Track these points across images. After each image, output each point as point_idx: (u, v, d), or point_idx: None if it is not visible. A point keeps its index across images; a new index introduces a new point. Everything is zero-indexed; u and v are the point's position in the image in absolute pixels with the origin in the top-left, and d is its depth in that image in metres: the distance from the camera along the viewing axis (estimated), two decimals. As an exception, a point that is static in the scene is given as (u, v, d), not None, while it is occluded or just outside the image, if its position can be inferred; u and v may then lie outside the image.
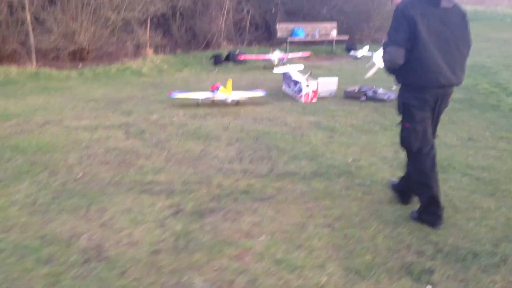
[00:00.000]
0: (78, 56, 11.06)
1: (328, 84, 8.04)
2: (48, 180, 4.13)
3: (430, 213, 3.31)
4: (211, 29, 13.20)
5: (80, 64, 10.51)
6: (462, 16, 3.17)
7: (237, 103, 7.40)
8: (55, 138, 5.39)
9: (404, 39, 3.00)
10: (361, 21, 15.14)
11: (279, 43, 14.01)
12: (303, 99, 7.66)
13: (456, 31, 3.11)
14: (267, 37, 14.69)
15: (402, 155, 4.84)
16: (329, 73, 9.34)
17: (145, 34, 11.67)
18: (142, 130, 5.80)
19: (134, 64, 10.59)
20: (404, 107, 3.23)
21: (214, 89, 7.37)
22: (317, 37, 13.62)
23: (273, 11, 14.64)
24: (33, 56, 9.93)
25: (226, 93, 7.20)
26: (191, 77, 9.98)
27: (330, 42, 14.11)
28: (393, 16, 3.13)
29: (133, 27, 11.58)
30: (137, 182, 4.13)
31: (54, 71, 9.72)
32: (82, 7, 10.11)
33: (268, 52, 12.11)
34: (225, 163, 4.67)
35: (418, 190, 3.39)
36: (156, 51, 11.86)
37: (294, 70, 8.37)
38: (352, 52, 13.27)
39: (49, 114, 6.53)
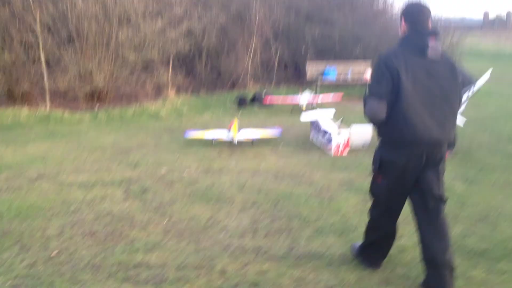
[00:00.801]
0: (95, 97, 10.65)
1: (362, 133, 7.22)
2: (14, 260, 3.42)
3: (367, 254, 3.36)
4: (237, 68, 12.69)
5: (97, 106, 10.07)
6: (451, 68, 2.94)
7: (252, 143, 7.18)
8: (42, 198, 4.74)
9: (387, 92, 2.81)
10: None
11: (308, 84, 13.34)
12: (332, 151, 6.85)
13: (445, 84, 2.89)
14: (296, 77, 14.06)
15: (457, 231, 3.96)
16: (363, 120, 8.53)
17: (167, 74, 11.23)
18: (145, 188, 5.10)
19: (153, 106, 10.07)
20: (381, 162, 3.02)
21: (230, 127, 7.23)
22: (349, 78, 12.87)
23: (303, 51, 14.07)
24: (47, 96, 9.57)
25: (232, 134, 6.98)
26: (212, 121, 9.34)
27: (364, 84, 13.32)
28: (374, 66, 2.96)
29: (155, 66, 11.16)
30: (122, 265, 3.37)
31: (66, 114, 9.29)
32: (99, 47, 9.75)
33: (297, 93, 11.44)
34: (235, 238, 3.87)
35: (368, 233, 3.36)
36: (178, 92, 11.37)
37: (324, 117, 7.60)
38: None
39: (46, 166, 5.94)
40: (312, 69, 12.87)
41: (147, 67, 11.30)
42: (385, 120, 2.87)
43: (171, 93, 11.02)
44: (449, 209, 4.53)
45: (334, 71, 12.78)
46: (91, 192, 4.93)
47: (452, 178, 5.63)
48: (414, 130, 2.82)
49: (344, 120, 7.57)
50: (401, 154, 2.89)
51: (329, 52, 14.22)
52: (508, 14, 73.35)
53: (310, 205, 4.63)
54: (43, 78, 9.55)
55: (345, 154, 6.84)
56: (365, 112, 2.98)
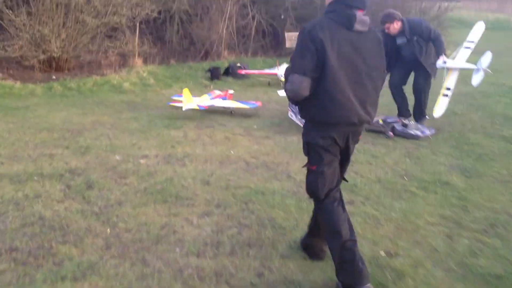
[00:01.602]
0: (52, 67, 9.53)
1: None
2: None
3: (347, 270, 2.67)
4: (210, 36, 11.66)
5: (53, 77, 9.01)
6: (377, 42, 2.74)
7: (231, 113, 7.11)
8: (-41, 197, 3.85)
9: (311, 66, 2.56)
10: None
11: (288, 54, 12.43)
12: (313, 133, 6.07)
13: (371, 60, 2.68)
14: (274, 46, 13.12)
15: (463, 245, 3.25)
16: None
17: (133, 42, 10.15)
18: (90, 183, 4.24)
19: (116, 77, 9.06)
20: (310, 147, 2.80)
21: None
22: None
23: (282, 17, 13.07)
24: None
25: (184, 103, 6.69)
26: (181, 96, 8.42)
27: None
28: (298, 38, 2.65)
29: (120, 33, 10.06)
30: (40, 302, 2.57)
31: (18, 85, 8.22)
32: (55, 9, 8.60)
33: (274, 65, 10.56)
34: (192, 256, 3.09)
35: (330, 240, 2.78)
36: (145, 61, 10.33)
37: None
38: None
39: (-24, 151, 5.01)
40: (291, 38, 11.94)
41: (112, 34, 10.20)
42: (309, 98, 2.64)
43: (137, 62, 9.99)
44: (452, 214, 3.92)
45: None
46: (24, 188, 4.06)
47: (449, 169, 4.94)
48: (340, 109, 2.61)
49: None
50: (328, 136, 2.69)
51: (310, 19, 13.23)
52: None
53: (287, 207, 3.87)
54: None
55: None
56: (286, 89, 2.70)
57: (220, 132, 6.07)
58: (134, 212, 3.69)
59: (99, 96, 8.06)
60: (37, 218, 3.53)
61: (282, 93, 6.96)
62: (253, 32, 12.68)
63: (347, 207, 2.91)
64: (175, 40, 11.60)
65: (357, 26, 2.62)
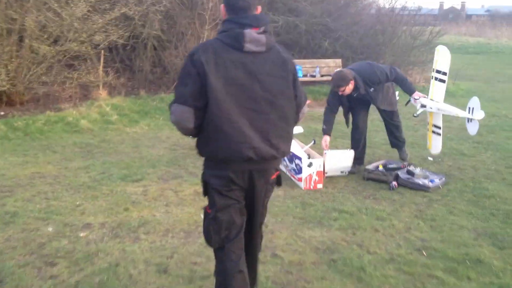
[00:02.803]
0: (3, 101, 8.36)
1: (340, 160, 5.43)
2: None
3: None
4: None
5: (1, 112, 7.84)
6: (281, 64, 2.34)
7: None
8: None
9: (192, 94, 2.23)
10: (369, 57, 12.66)
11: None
12: (302, 184, 5.03)
13: (272, 85, 2.31)
14: (256, 74, 12.16)
15: None
16: (336, 131, 6.78)
17: (96, 71, 9.06)
18: (1, 277, 3.09)
19: (74, 113, 7.91)
20: (206, 187, 2.42)
21: None
22: (318, 77, 11.10)
23: (264, 43, 12.13)
24: None
25: None
26: (147, 135, 7.33)
27: (333, 82, 11.56)
28: (183, 63, 2.33)
29: (81, 62, 8.97)
30: None
31: (-45, 124, 7.04)
32: (3, 36, 7.50)
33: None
34: None
35: None
36: (111, 93, 9.23)
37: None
38: (361, 96, 10.72)
39: None
40: (274, 65, 10.98)
41: (73, 63, 9.10)
42: (198, 131, 2.33)
43: (101, 94, 8.86)
44: None
45: (300, 69, 10.95)
46: None
47: (476, 237, 3.92)
48: (229, 142, 2.27)
49: (315, 143, 5.76)
50: (222, 175, 2.35)
51: (294, 45, 12.39)
52: (463, 5, 74.55)
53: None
54: None
55: (319, 186, 5.04)
56: (171, 121, 2.36)
57: (190, 186, 4.97)
58: (51, 333, 2.55)
59: (49, 138, 6.89)
60: None
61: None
62: (232, 59, 11.70)
63: None
64: (146, 69, 10.55)
65: (249, 46, 2.27)
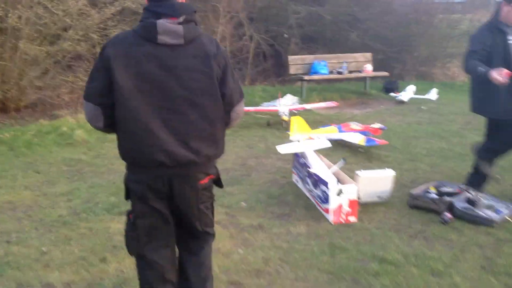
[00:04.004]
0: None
1: (378, 183, 4.35)
2: None
3: None
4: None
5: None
6: (204, 58, 2.09)
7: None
8: None
9: (99, 91, 2.07)
10: (402, 50, 11.47)
11: (293, 81, 10.44)
12: (331, 217, 3.98)
13: (191, 82, 2.09)
14: (276, 72, 11.14)
15: None
16: (377, 149, 5.70)
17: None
18: None
19: (69, 121, 7.02)
20: (127, 191, 2.26)
21: None
22: (345, 74, 9.97)
23: (285, 36, 11.09)
24: None
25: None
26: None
27: (362, 79, 10.45)
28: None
29: (80, 62, 8.11)
30: None
31: None
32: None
33: (274, 98, 8.57)
34: None
35: None
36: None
37: (313, 152, 4.69)
38: (394, 94, 9.59)
39: None
40: (296, 62, 9.93)
41: (73, 64, 8.26)
42: (112, 129, 2.16)
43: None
44: None
45: (325, 65, 9.84)
46: None
47: None
48: (139, 144, 2.08)
49: (346, 162, 4.68)
50: (139, 180, 2.16)
51: (318, 39, 11.31)
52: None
53: None
54: None
55: (352, 220, 4.00)
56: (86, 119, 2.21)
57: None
58: None
59: (35, 153, 6.00)
60: None
61: (283, 149, 4.88)
62: (250, 56, 10.71)
63: None
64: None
65: (164, 39, 2.04)
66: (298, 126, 5.69)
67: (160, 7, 2.05)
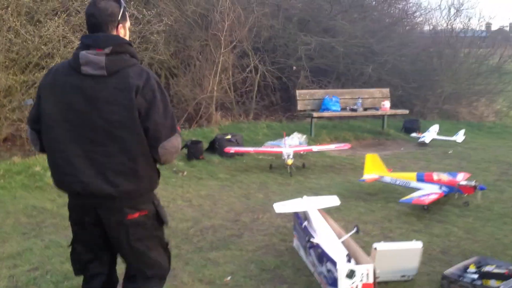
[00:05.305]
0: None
1: (401, 258, 3.49)
2: None
3: None
4: (196, 95, 9.00)
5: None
6: (124, 90, 2.12)
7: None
8: None
9: (34, 117, 2.28)
10: (423, 86, 10.73)
11: (301, 118, 9.72)
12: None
13: (111, 114, 2.13)
14: (283, 107, 10.45)
15: None
16: (381, 188, 4.89)
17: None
18: None
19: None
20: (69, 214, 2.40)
21: None
22: (360, 111, 9.23)
23: (294, 69, 10.44)
24: None
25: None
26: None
27: (379, 117, 9.70)
28: None
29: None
30: None
31: None
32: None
33: (278, 137, 7.86)
34: None
35: None
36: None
37: (318, 213, 3.87)
38: (416, 135, 8.81)
39: None
40: (304, 97, 9.24)
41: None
42: None
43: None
44: None
45: (337, 102, 9.13)
46: None
47: None
48: (59, 173, 2.23)
49: (359, 229, 3.82)
50: (70, 205, 2.34)
51: (330, 72, 10.64)
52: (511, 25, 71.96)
53: None
54: None
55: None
56: None
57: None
58: None
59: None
60: None
61: (279, 208, 4.06)
62: (255, 89, 10.04)
63: None
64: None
65: (86, 69, 2.13)
66: (372, 165, 5.53)
67: (87, 39, 2.17)
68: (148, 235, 2.28)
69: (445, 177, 5.23)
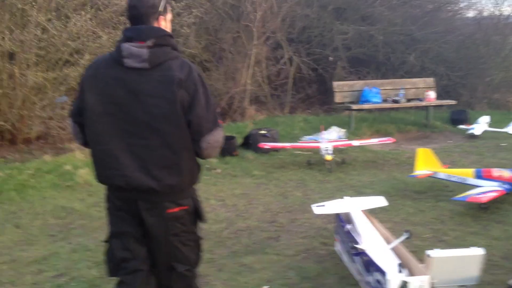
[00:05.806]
0: (6, 138, 6.97)
1: (459, 266, 3.12)
2: None
3: None
4: (229, 88, 8.77)
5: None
6: (167, 84, 2.11)
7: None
8: None
9: (78, 110, 2.27)
10: (469, 74, 10.14)
11: (339, 111, 9.34)
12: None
13: (153, 107, 2.12)
14: (320, 100, 10.09)
15: None
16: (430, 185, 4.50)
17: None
18: None
19: (75, 157, 6.25)
20: (106, 208, 2.36)
21: None
22: (402, 102, 8.78)
23: (330, 59, 10.05)
24: None
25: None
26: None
27: (423, 108, 9.22)
28: None
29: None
30: None
31: None
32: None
33: (316, 131, 7.52)
34: None
35: None
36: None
37: (363, 215, 3.54)
38: (464, 127, 8.30)
39: None
40: (342, 89, 8.86)
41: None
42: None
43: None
44: None
45: (377, 93, 8.72)
46: None
47: None
48: (102, 167, 2.22)
49: (410, 235, 3.45)
50: (110, 199, 2.30)
51: (369, 62, 10.21)
52: None
53: None
54: None
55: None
56: None
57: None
58: None
59: (24, 200, 5.18)
60: None
61: (319, 210, 3.75)
62: (289, 81, 9.71)
63: None
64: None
65: (129, 62, 2.12)
66: (425, 160, 5.19)
67: (129, 31, 2.17)
68: (185, 230, 2.27)
69: (507, 173, 4.78)
